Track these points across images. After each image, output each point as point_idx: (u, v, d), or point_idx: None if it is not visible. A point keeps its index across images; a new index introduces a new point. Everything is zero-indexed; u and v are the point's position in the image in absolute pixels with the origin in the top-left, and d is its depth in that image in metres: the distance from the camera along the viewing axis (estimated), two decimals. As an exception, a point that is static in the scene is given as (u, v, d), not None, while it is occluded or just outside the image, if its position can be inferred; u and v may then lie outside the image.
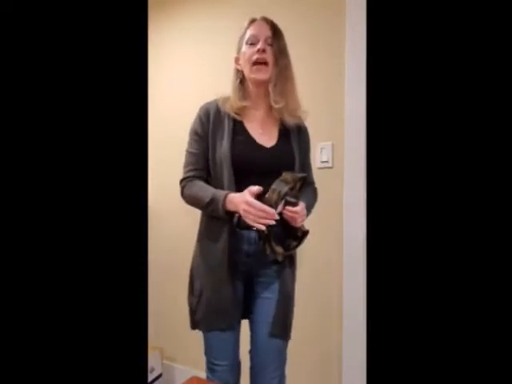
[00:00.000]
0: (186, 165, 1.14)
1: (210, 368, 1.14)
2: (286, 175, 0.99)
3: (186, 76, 1.98)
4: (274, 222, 0.95)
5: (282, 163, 1.08)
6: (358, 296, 1.45)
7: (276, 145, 1.12)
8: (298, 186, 1.03)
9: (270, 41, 1.09)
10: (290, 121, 1.13)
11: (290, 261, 1.14)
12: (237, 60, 1.15)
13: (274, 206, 0.95)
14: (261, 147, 1.11)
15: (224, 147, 1.08)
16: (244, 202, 0.97)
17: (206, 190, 1.07)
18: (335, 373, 1.51)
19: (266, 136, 1.13)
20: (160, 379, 1.87)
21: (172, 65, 2.03)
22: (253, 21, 1.12)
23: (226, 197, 1.02)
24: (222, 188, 1.07)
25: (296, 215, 1.01)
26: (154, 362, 1.84)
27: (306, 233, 1.08)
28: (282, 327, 1.10)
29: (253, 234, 1.08)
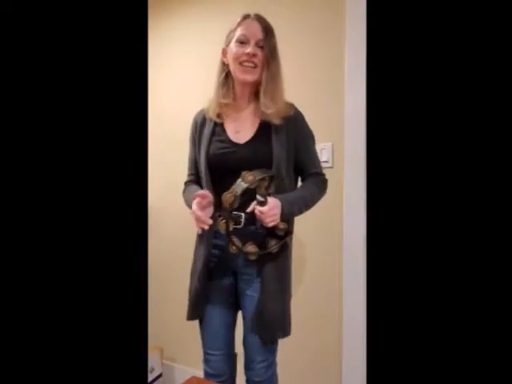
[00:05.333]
0: (187, 170, 1.27)
1: (205, 358, 1.18)
2: (246, 175, 1.02)
3: (186, 76, 1.97)
4: (206, 227, 1.05)
5: (256, 158, 1.07)
6: (358, 296, 1.45)
7: (250, 140, 1.10)
8: (266, 184, 1.04)
9: (261, 43, 1.07)
10: (279, 120, 1.09)
11: (274, 260, 1.09)
12: (224, 52, 1.13)
13: (230, 205, 1.02)
14: (234, 145, 1.11)
15: (202, 150, 1.13)
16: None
17: (190, 193, 1.14)
18: (335, 372, 1.51)
19: (242, 133, 1.12)
20: (160, 379, 1.87)
21: (172, 64, 2.03)
22: (246, 17, 1.10)
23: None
24: (204, 189, 1.13)
25: (262, 215, 1.00)
26: (153, 362, 1.84)
27: (288, 233, 1.08)
28: (261, 326, 1.07)
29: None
